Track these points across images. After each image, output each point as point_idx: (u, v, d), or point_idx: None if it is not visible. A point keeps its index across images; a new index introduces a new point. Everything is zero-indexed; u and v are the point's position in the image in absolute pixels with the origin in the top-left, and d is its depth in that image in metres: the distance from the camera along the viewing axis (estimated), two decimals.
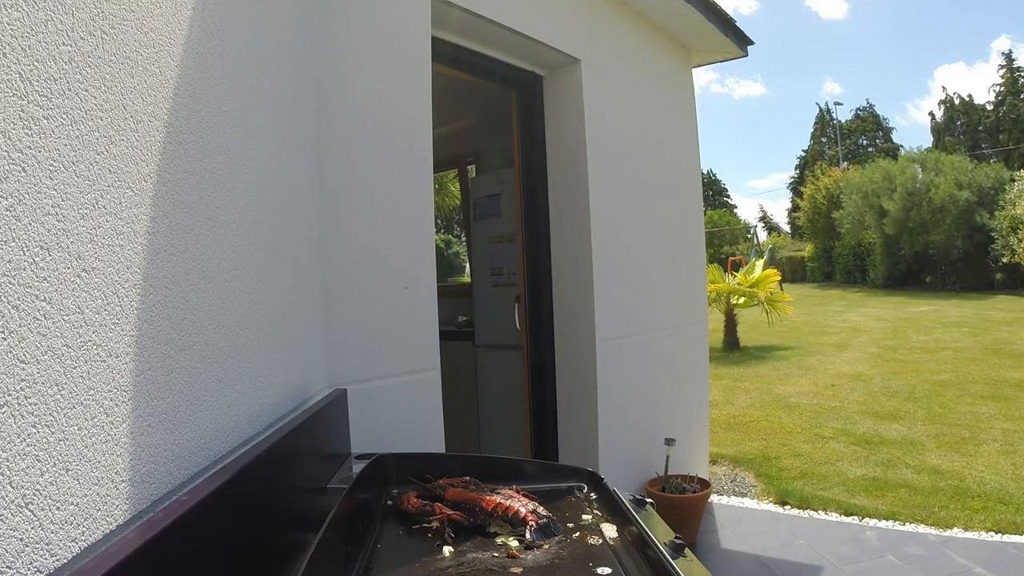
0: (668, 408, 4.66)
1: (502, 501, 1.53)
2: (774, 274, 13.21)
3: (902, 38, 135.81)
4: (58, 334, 0.90)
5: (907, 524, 4.47)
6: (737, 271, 14.99)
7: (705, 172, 56.50)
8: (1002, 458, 5.76)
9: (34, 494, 0.83)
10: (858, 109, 57.23)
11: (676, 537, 1.28)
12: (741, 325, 13.67)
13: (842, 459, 5.99)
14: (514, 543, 1.41)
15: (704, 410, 5.28)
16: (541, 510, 1.50)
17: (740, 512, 4.92)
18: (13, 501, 0.79)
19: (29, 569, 0.81)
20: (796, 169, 58.02)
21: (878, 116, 56.95)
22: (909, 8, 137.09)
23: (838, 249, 30.56)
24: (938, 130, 47.88)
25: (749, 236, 45.17)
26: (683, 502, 4.20)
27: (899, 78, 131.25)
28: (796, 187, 52.83)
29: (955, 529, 4.34)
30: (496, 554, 1.36)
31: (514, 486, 1.65)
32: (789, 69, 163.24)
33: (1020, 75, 43.36)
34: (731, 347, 13.21)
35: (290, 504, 1.60)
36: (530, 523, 1.45)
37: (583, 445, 3.92)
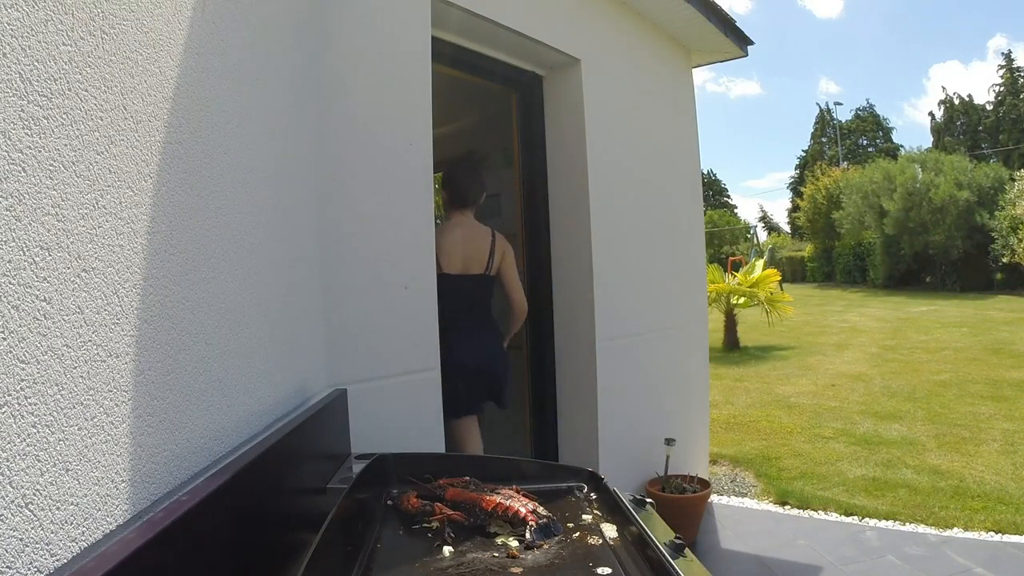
0: (668, 408, 4.66)
1: (502, 501, 1.53)
2: (774, 274, 13.20)
3: (897, 37, 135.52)
4: (58, 334, 0.90)
5: (907, 524, 4.47)
6: (737, 271, 14.98)
7: (705, 172, 56.45)
8: (1002, 458, 5.76)
9: (34, 494, 0.83)
10: (858, 109, 57.20)
11: (676, 537, 1.28)
12: (741, 325, 13.66)
13: (842, 459, 5.99)
14: (514, 543, 1.41)
15: (704, 410, 5.29)
16: (541, 510, 1.50)
17: (740, 512, 4.92)
18: (13, 501, 0.79)
19: (29, 569, 0.81)
20: (796, 169, 58.04)
21: (878, 116, 56.92)
22: (904, 7, 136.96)
23: (838, 249, 30.53)
24: (938, 130, 47.83)
25: (749, 236, 45.15)
26: (683, 502, 4.20)
27: (895, 77, 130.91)
28: (796, 187, 52.84)
29: (955, 529, 4.33)
30: (496, 554, 1.36)
31: (514, 486, 1.65)
32: (785, 68, 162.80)
33: (1020, 75, 43.36)
34: (731, 347, 13.20)
35: (290, 504, 1.60)
36: (530, 523, 1.45)
37: (583, 445, 3.92)
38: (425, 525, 1.50)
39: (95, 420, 0.97)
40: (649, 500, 1.55)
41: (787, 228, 55.03)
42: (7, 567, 0.78)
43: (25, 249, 0.84)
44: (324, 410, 1.92)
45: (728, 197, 71.29)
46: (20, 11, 0.84)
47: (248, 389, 1.57)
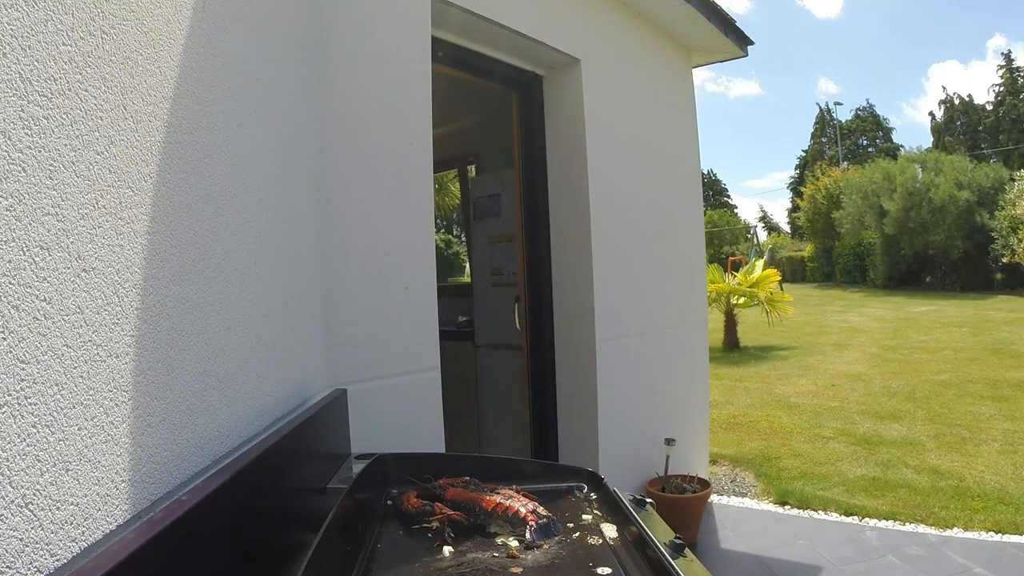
0: (668, 408, 4.66)
1: (502, 501, 1.52)
2: (774, 274, 13.20)
3: (896, 37, 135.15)
4: (58, 334, 0.90)
5: (907, 524, 4.47)
6: (737, 271, 14.98)
7: (705, 172, 56.46)
8: (1002, 458, 5.76)
9: (34, 494, 0.83)
10: (858, 109, 57.27)
11: (676, 537, 1.28)
12: (741, 325, 13.67)
13: (842, 459, 5.99)
14: (514, 543, 1.41)
15: (704, 410, 5.28)
16: (541, 510, 1.50)
17: (740, 512, 4.92)
18: (13, 501, 0.79)
19: (29, 569, 0.81)
20: (796, 169, 58.11)
21: (878, 116, 56.98)
22: (903, 7, 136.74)
23: (838, 249, 30.51)
24: (938, 130, 47.85)
25: (749, 236, 45.12)
26: (683, 502, 4.20)
27: (894, 77, 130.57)
28: (796, 187, 52.88)
29: (955, 529, 4.33)
30: (496, 554, 1.36)
31: (514, 486, 1.65)
32: (784, 68, 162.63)
33: (1020, 75, 43.35)
34: (731, 347, 13.21)
35: (290, 504, 1.60)
36: (530, 523, 1.45)
37: (583, 445, 3.92)
38: (425, 525, 1.50)
39: (95, 420, 0.97)
40: (649, 500, 1.55)
41: (787, 228, 55.06)
42: (7, 567, 0.78)
43: (25, 249, 0.84)
44: (324, 410, 1.92)
45: (728, 197, 71.28)
46: (20, 11, 0.84)
47: (248, 389, 1.57)
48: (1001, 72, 44.52)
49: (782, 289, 14.42)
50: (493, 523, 1.50)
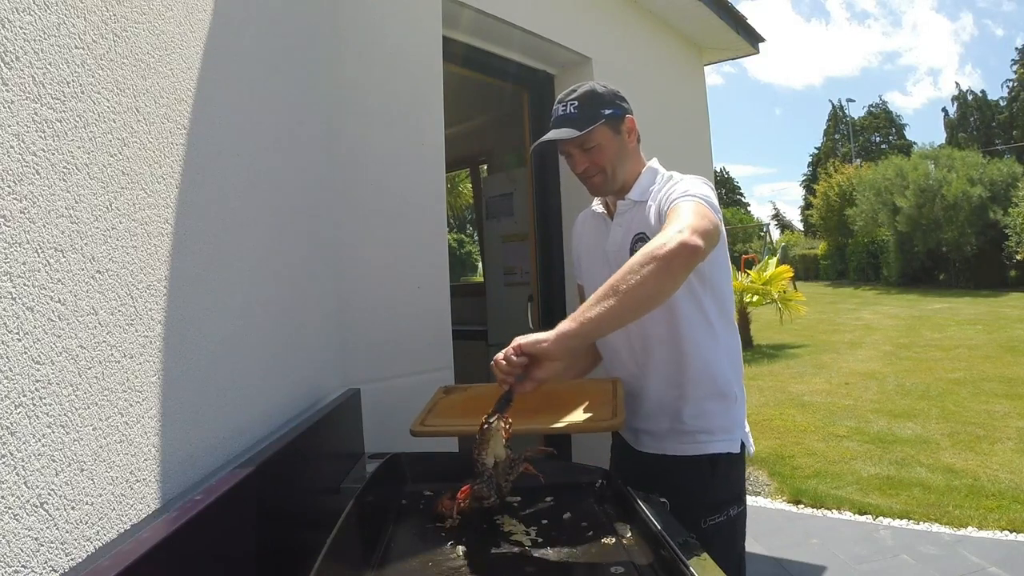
0: None
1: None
2: (786, 270, 13.13)
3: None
4: (72, 335, 0.90)
5: (921, 523, 4.44)
6: (750, 269, 14.93)
7: (718, 170, 56.39)
8: (1017, 457, 5.71)
9: (49, 494, 0.83)
10: (871, 106, 57.11)
11: (690, 536, 1.28)
12: (754, 323, 13.59)
13: (856, 458, 5.96)
14: (527, 540, 1.41)
15: None
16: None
17: (753, 511, 4.88)
18: (28, 501, 0.80)
19: (44, 568, 0.81)
20: (809, 166, 57.95)
21: (891, 113, 56.79)
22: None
23: (851, 247, 30.33)
24: (951, 126, 47.61)
25: (762, 234, 44.90)
26: None
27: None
28: (809, 184, 52.73)
29: (969, 528, 4.30)
30: (509, 552, 1.36)
31: None
32: (787, 66, 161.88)
33: None
34: (744, 345, 13.05)
35: (304, 503, 1.61)
36: (489, 423, 1.47)
37: (597, 443, 3.91)
38: (439, 524, 1.50)
39: (109, 420, 0.98)
40: (663, 499, 1.54)
41: (800, 226, 54.90)
42: (23, 566, 0.78)
43: (40, 251, 0.84)
44: (338, 410, 1.93)
45: (742, 195, 71.20)
46: (33, 15, 0.85)
47: (262, 389, 1.57)
48: (1015, 67, 44.24)
49: (795, 287, 14.34)
50: (487, 469, 1.49)
